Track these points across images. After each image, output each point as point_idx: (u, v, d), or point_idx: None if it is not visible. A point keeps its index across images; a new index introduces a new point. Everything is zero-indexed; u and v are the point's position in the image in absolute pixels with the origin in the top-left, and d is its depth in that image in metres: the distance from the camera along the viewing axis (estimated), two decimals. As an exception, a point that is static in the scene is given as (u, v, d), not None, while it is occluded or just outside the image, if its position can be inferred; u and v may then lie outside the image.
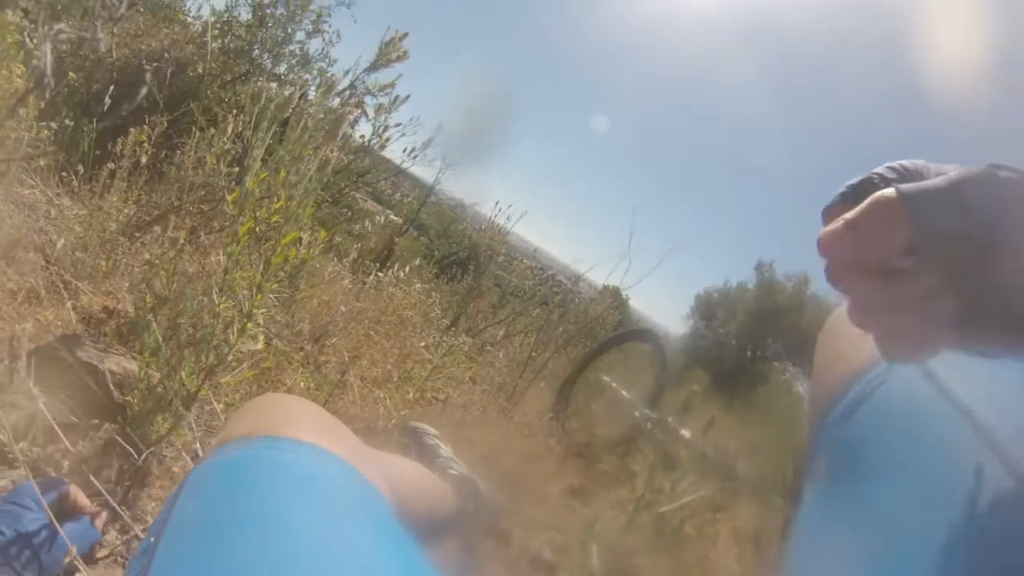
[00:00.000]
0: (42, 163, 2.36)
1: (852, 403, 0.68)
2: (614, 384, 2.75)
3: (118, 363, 1.28)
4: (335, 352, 1.69)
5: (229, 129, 1.76)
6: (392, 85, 3.31)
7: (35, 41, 2.52)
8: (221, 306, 1.01)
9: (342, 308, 1.84)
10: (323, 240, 1.52)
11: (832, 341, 0.83)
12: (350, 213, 3.60)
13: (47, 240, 1.84)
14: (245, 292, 1.01)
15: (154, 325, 1.09)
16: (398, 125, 3.44)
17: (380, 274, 2.29)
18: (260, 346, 1.07)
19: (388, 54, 3.15)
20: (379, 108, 3.25)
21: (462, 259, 6.04)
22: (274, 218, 1.06)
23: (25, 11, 2.82)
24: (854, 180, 0.46)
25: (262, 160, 1.24)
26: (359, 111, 3.23)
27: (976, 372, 0.59)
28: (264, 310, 1.04)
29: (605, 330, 5.61)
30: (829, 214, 0.45)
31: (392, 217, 5.73)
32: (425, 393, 1.81)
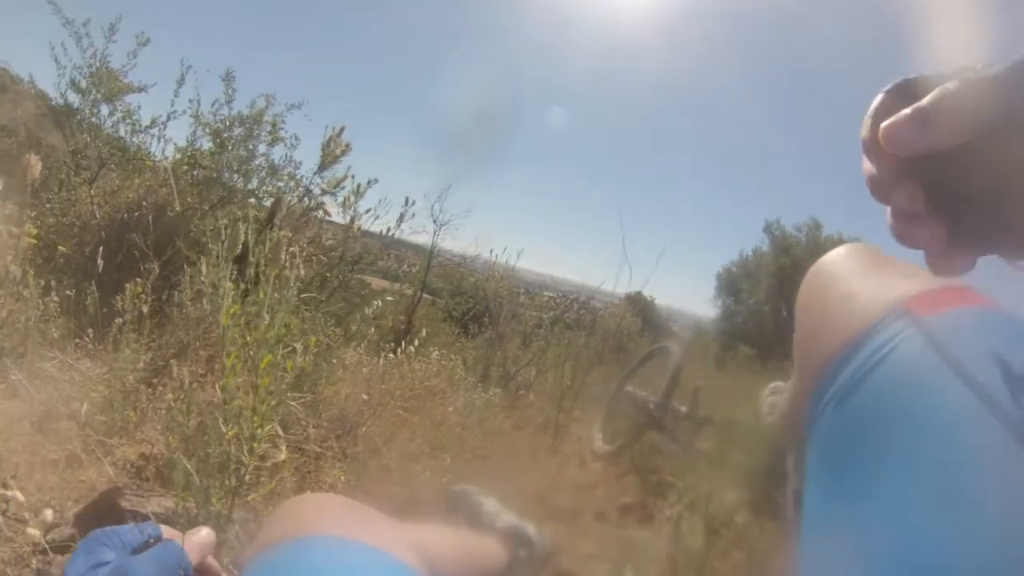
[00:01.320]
0: (56, 334, 2.46)
1: (851, 381, 0.61)
2: (636, 391, 2.85)
3: (159, 503, 1.35)
4: (366, 440, 1.72)
5: (203, 267, 1.82)
6: (345, 178, 3.41)
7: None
8: (229, 433, 1.05)
9: (364, 396, 1.87)
10: (314, 346, 1.56)
11: (817, 305, 0.76)
12: (359, 299, 3.65)
13: (76, 406, 1.91)
14: (247, 415, 1.05)
15: (182, 461, 1.13)
16: (368, 211, 3.50)
17: (394, 353, 2.32)
18: (283, 456, 1.11)
19: (332, 153, 3.25)
20: (344, 201, 3.34)
21: (479, 312, 6.08)
22: (256, 337, 1.10)
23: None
24: (901, 79, 0.42)
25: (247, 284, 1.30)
26: (322, 213, 3.31)
27: (988, 337, 0.56)
28: (272, 424, 1.08)
29: (631, 338, 5.61)
30: (879, 113, 0.42)
31: (406, 291, 5.81)
32: (464, 455, 1.82)
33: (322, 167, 3.40)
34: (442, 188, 4.94)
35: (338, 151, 3.26)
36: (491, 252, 5.33)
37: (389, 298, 3.82)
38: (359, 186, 3.30)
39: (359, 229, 3.39)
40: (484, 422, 2.28)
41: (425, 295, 6.87)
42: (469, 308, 6.48)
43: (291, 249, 1.29)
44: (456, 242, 5.55)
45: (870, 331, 0.62)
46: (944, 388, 0.51)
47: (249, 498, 1.16)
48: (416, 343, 2.31)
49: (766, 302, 13.99)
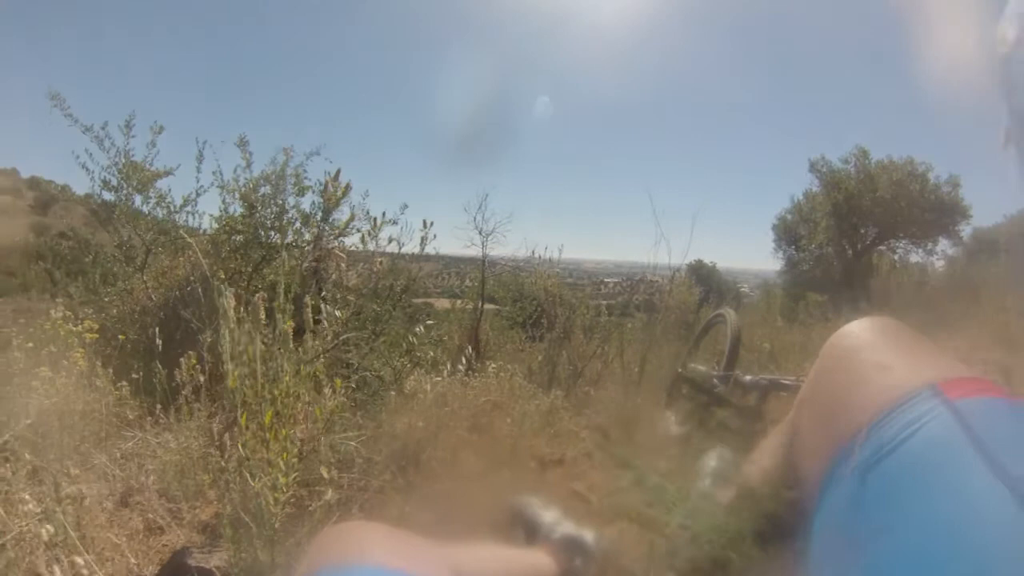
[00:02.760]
0: (131, 416, 2.60)
1: (881, 450, 0.62)
2: (699, 366, 2.74)
3: (220, 558, 1.43)
4: (429, 466, 1.72)
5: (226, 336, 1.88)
6: (352, 219, 3.45)
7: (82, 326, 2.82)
8: (256, 486, 1.07)
9: (419, 424, 1.88)
10: (340, 387, 1.57)
11: (846, 370, 0.76)
12: (422, 325, 3.67)
13: (154, 478, 2.00)
14: (264, 467, 1.07)
15: (225, 517, 1.16)
16: (391, 241, 3.52)
17: (464, 372, 2.32)
18: (328, 496, 1.12)
19: (333, 197, 3.30)
20: (362, 238, 3.37)
21: (539, 314, 6.04)
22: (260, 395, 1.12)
23: (66, 306, 3.17)
24: None
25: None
26: (336, 262, 3.35)
27: (1014, 427, 0.59)
28: (295, 473, 1.09)
29: (690, 311, 5.46)
30: None
31: (466, 306, 5.84)
32: (531, 464, 1.79)
33: (326, 214, 3.46)
34: (480, 198, 4.94)
35: (338, 194, 3.31)
36: (532, 252, 5.31)
37: (430, 322, 3.82)
38: (375, 220, 3.33)
39: (382, 263, 3.41)
40: (551, 426, 2.25)
41: (490, 306, 6.89)
42: (532, 312, 6.44)
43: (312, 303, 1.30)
44: (505, 248, 5.56)
45: (903, 405, 0.64)
46: (973, 471, 0.53)
47: (288, 543, 1.18)
48: (476, 359, 2.30)
49: (827, 243, 13.40)
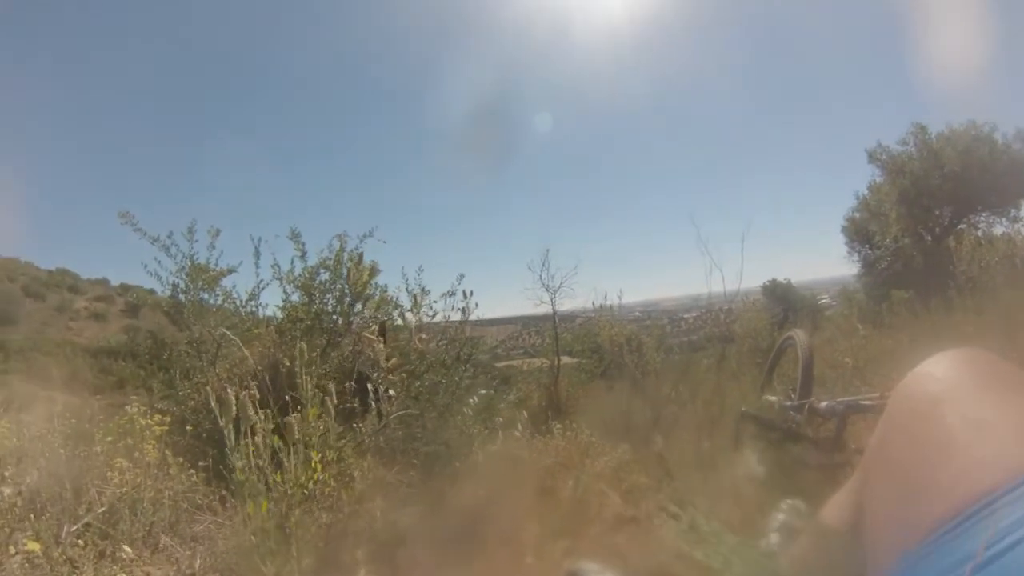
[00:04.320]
0: (199, 501, 2.70)
1: (989, 551, 0.45)
2: (772, 398, 2.57)
3: None
4: (488, 538, 1.68)
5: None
6: (384, 300, 3.50)
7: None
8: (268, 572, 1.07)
9: (479, 492, 1.85)
10: (367, 470, 1.57)
11: (927, 422, 0.58)
12: (475, 396, 3.67)
13: (220, 560, 2.04)
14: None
15: None
16: (435, 314, 3.58)
17: (512, 437, 2.29)
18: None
19: (360, 281, 3.37)
20: (414, 305, 3.43)
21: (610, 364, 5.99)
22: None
23: (143, 401, 3.37)
24: None
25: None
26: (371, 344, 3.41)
27: None
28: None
29: (761, 336, 5.25)
30: None
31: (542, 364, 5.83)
32: (598, 526, 1.72)
33: (354, 299, 3.53)
34: (542, 255, 4.99)
35: (364, 277, 3.38)
36: (593, 302, 5.30)
37: (483, 392, 3.82)
38: (415, 296, 3.39)
39: (421, 340, 3.46)
40: (623, 481, 2.17)
41: (569, 360, 6.87)
42: (607, 362, 6.38)
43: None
44: (575, 300, 5.57)
45: (1015, 492, 0.46)
46: None
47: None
48: (557, 415, 2.25)
49: (903, 235, 12.59)
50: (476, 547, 1.72)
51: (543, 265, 5.22)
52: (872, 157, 13.11)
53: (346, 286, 3.84)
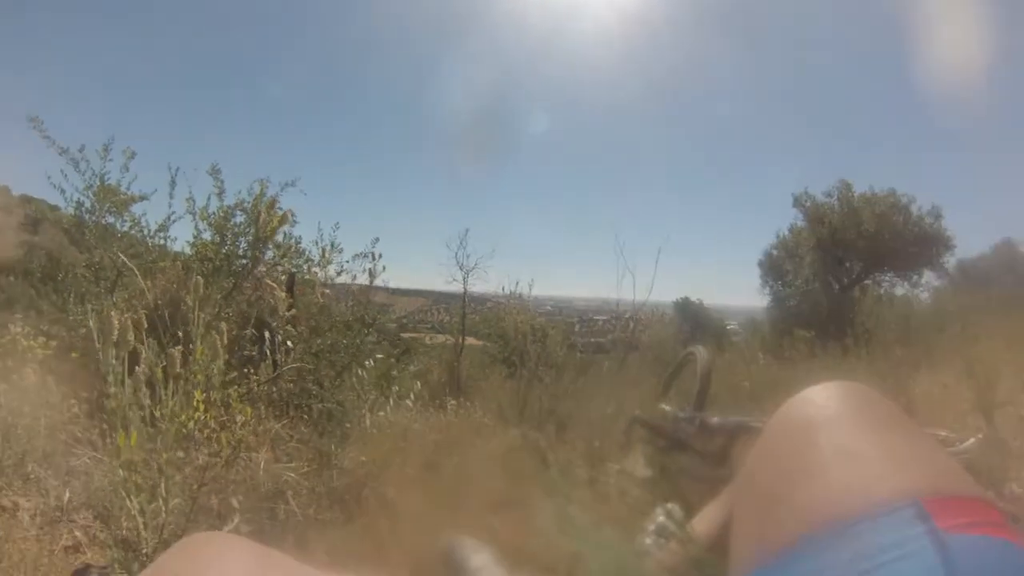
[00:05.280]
0: (79, 434, 2.54)
1: (833, 565, 0.47)
2: (668, 408, 2.65)
3: None
4: (369, 503, 1.67)
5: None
6: (289, 249, 3.43)
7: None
8: (132, 509, 1.03)
9: (362, 458, 1.84)
10: (250, 415, 1.53)
11: (799, 447, 0.60)
12: (371, 360, 3.62)
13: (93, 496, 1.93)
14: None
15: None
16: (340, 272, 3.53)
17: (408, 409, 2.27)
18: (234, 524, 1.06)
19: (268, 225, 3.28)
20: (323, 257, 3.36)
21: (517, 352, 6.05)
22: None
23: (28, 322, 3.12)
24: None
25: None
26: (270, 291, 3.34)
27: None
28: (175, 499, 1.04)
29: (665, 349, 5.45)
30: None
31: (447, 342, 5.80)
32: (481, 505, 1.73)
33: (256, 242, 3.43)
34: (461, 234, 4.97)
35: (273, 223, 3.30)
36: (503, 287, 5.33)
37: (379, 356, 3.79)
38: (324, 250, 3.33)
39: (324, 294, 3.40)
40: (508, 465, 2.18)
41: (476, 342, 6.88)
42: (512, 349, 6.44)
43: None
44: (488, 284, 5.57)
45: (875, 518, 0.48)
46: None
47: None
48: (455, 394, 2.24)
49: (814, 279, 13.47)
50: (355, 509, 1.70)
51: (460, 244, 5.21)
52: (797, 201, 13.97)
53: (254, 229, 3.71)
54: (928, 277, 13.21)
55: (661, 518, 1.47)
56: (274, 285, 3.21)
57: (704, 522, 1.16)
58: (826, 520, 0.50)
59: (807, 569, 0.48)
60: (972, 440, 2.19)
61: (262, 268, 3.62)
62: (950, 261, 13.21)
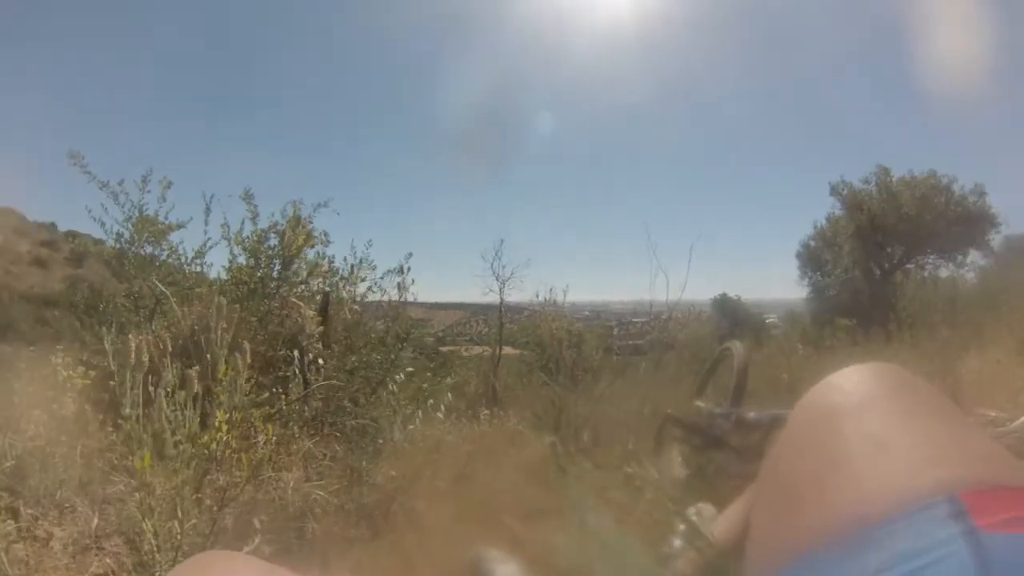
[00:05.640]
0: (115, 462, 2.61)
1: (860, 571, 0.43)
2: (705, 405, 2.59)
3: None
4: (399, 518, 1.66)
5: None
6: (316, 267, 3.45)
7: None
8: (147, 530, 1.04)
9: (392, 473, 1.83)
10: (271, 434, 1.54)
11: (825, 435, 0.54)
12: (402, 373, 3.63)
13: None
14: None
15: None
16: (370, 288, 3.55)
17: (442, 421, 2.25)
18: (255, 545, 1.06)
19: (294, 244, 3.31)
20: (352, 274, 3.38)
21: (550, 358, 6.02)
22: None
23: (70, 352, 3.22)
24: None
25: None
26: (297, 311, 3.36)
27: None
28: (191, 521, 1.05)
29: (702, 345, 5.36)
30: None
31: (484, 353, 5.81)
32: (509, 517, 1.71)
33: (285, 264, 3.47)
34: (496, 245, 4.99)
35: (299, 242, 3.33)
36: (537, 295, 5.32)
37: (410, 369, 3.80)
38: (352, 267, 3.36)
39: (352, 311, 3.42)
40: (539, 474, 2.16)
41: (515, 350, 6.90)
42: (548, 356, 6.42)
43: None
44: (523, 293, 5.58)
45: (905, 516, 0.44)
46: None
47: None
48: (493, 404, 2.23)
49: (854, 267, 13.16)
50: (383, 525, 1.70)
51: (496, 254, 5.23)
52: (835, 190, 13.72)
53: (279, 248, 3.77)
54: (973, 257, 12.78)
55: (689, 520, 1.43)
56: (300, 304, 3.25)
57: (724, 525, 1.12)
58: (852, 520, 0.45)
59: (837, 573, 0.44)
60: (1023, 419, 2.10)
61: (287, 287, 3.68)
62: (996, 239, 12.74)
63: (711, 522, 1.24)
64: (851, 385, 0.57)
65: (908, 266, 12.82)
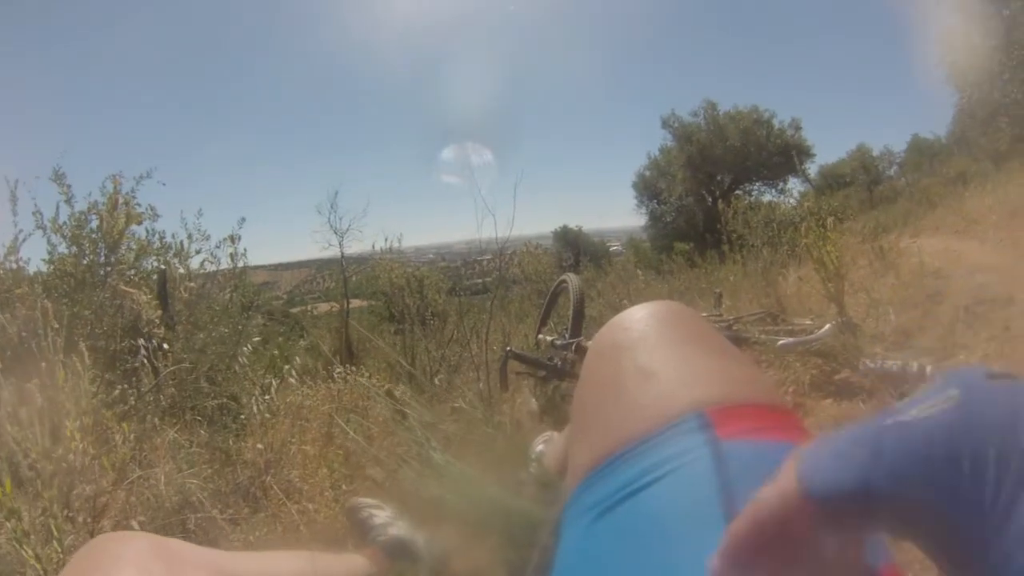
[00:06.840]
0: None
1: (621, 491, 0.51)
2: (547, 337, 2.80)
3: None
4: (275, 490, 1.73)
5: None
6: (144, 248, 3.28)
7: None
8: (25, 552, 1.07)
9: (259, 445, 1.89)
10: (128, 430, 1.56)
11: (609, 369, 0.62)
12: (249, 344, 3.58)
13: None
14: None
15: None
16: (204, 260, 3.44)
17: (298, 385, 2.29)
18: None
19: (116, 225, 3.11)
20: (178, 252, 3.26)
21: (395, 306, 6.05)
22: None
23: None
24: None
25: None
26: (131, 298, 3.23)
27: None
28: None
29: (542, 279, 5.65)
30: None
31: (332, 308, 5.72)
32: (374, 466, 1.82)
33: (111, 247, 3.27)
34: (331, 197, 4.89)
35: (120, 224, 3.15)
36: (373, 245, 5.32)
37: (256, 339, 3.72)
38: (181, 242, 3.24)
39: (187, 288, 3.32)
40: (398, 423, 2.25)
41: (362, 303, 6.85)
42: (393, 304, 6.47)
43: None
44: (363, 244, 5.52)
45: (660, 433, 0.52)
46: (710, 540, 0.39)
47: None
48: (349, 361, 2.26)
49: (687, 195, 14.42)
50: (262, 499, 1.77)
51: (331, 207, 5.15)
52: (666, 123, 14.83)
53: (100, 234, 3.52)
54: (793, 184, 14.75)
55: (539, 447, 1.60)
56: (130, 291, 3.07)
57: (554, 448, 1.32)
58: (623, 440, 0.53)
59: (608, 488, 0.52)
60: (828, 326, 2.49)
61: (115, 272, 3.44)
62: (812, 168, 15.00)
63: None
64: (631, 323, 0.65)
65: (736, 192, 14.28)
